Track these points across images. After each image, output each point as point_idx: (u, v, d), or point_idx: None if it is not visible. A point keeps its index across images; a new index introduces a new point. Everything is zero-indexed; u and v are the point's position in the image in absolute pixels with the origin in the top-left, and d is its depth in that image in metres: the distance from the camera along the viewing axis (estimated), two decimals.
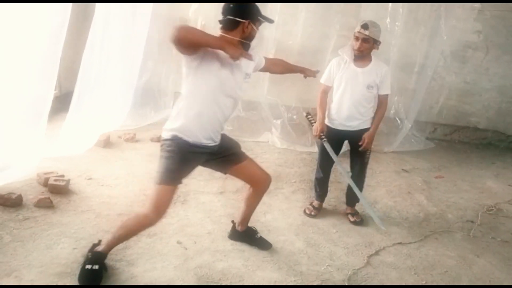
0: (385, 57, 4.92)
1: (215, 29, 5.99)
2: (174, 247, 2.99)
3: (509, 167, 5.77)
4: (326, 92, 3.67)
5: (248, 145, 5.40)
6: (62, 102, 5.24)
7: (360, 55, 3.45)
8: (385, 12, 5.30)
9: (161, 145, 2.63)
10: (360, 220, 3.70)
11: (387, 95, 3.55)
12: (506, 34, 6.24)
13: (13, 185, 3.49)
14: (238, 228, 3.16)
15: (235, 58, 2.41)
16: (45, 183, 3.58)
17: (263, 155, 5.14)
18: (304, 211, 3.76)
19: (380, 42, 3.44)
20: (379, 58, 3.60)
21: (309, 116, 3.64)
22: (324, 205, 3.93)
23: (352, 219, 3.71)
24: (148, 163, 4.42)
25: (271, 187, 4.14)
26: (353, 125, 3.59)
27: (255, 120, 6.06)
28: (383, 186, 4.57)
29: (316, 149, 5.51)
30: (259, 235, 3.17)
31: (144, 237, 3.03)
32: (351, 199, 3.81)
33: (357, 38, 3.41)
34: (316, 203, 3.83)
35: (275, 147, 5.50)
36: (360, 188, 3.72)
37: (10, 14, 3.28)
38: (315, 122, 3.59)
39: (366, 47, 3.40)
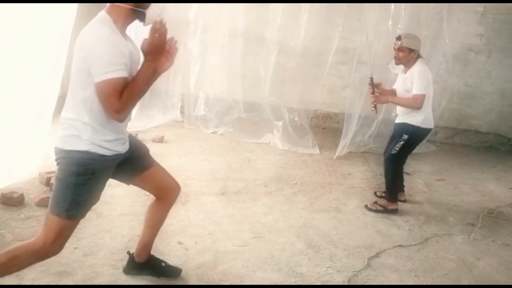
0: (386, 60, 4.92)
1: (216, 28, 6.02)
2: (175, 248, 3.00)
3: (510, 170, 5.76)
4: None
5: (250, 147, 5.42)
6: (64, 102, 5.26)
7: (399, 63, 3.90)
8: (387, 14, 5.31)
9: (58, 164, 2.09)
10: (373, 209, 3.95)
11: (416, 94, 3.75)
12: (509, 37, 6.24)
13: (15, 184, 3.51)
14: (137, 258, 2.59)
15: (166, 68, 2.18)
16: (47, 182, 3.60)
17: (265, 157, 5.15)
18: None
19: (417, 51, 3.82)
20: (422, 64, 3.85)
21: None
22: (325, 206, 3.95)
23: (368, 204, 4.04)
24: None
25: (272, 188, 4.20)
26: (397, 120, 4.04)
27: (257, 122, 6.08)
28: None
29: (317, 150, 5.54)
30: (164, 263, 2.67)
31: None
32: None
33: (394, 48, 3.86)
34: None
35: (276, 148, 5.51)
36: (387, 181, 4.01)
37: (17, 15, 3.30)
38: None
39: (401, 56, 3.82)
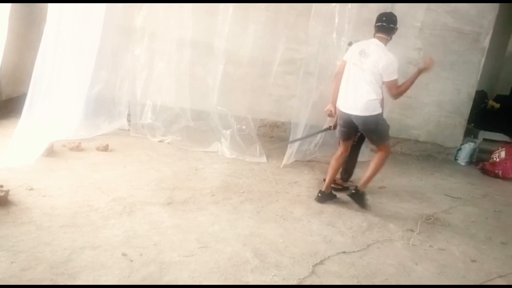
0: (332, 71, 5.06)
1: (164, 36, 5.97)
2: (119, 259, 2.93)
3: (446, 178, 6.07)
4: None
5: (198, 155, 5.40)
6: (1, 109, 5.04)
7: None
8: (332, 27, 5.46)
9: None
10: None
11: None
12: (444, 51, 6.60)
13: None
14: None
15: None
16: None
17: (213, 165, 5.13)
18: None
19: None
20: None
21: None
22: (272, 215, 4.00)
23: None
24: (93, 173, 4.33)
25: (219, 197, 4.21)
26: None
27: (205, 130, 6.06)
28: None
29: (265, 159, 5.60)
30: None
31: (88, 250, 2.96)
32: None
33: None
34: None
35: (224, 157, 5.51)
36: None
37: None
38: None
39: None
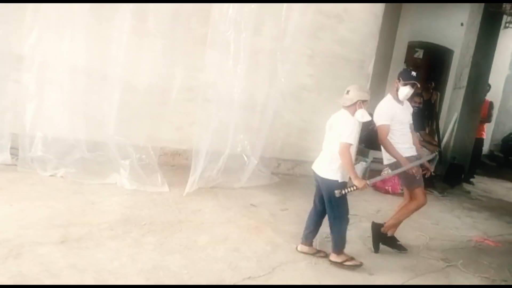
0: (230, 97, 5.15)
1: (55, 66, 5.64)
2: None
3: None
4: None
5: (94, 188, 5.11)
6: None
7: None
8: (228, 55, 5.57)
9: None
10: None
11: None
12: (334, 77, 7.02)
13: None
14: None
15: None
16: None
17: (111, 198, 4.89)
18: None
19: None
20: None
21: None
22: (175, 245, 3.89)
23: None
24: None
25: (119, 231, 4.02)
26: None
27: (102, 161, 5.77)
28: (233, 222, 4.69)
29: (167, 188, 5.46)
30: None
31: None
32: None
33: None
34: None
35: (124, 188, 5.28)
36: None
37: None
38: None
39: None
